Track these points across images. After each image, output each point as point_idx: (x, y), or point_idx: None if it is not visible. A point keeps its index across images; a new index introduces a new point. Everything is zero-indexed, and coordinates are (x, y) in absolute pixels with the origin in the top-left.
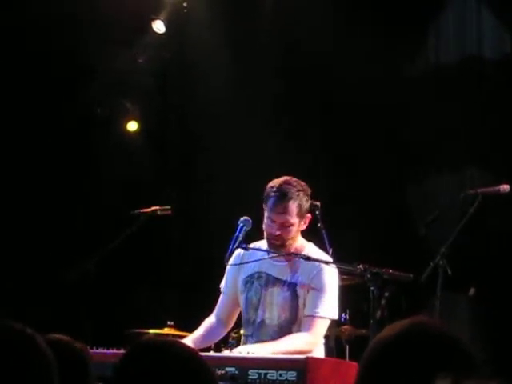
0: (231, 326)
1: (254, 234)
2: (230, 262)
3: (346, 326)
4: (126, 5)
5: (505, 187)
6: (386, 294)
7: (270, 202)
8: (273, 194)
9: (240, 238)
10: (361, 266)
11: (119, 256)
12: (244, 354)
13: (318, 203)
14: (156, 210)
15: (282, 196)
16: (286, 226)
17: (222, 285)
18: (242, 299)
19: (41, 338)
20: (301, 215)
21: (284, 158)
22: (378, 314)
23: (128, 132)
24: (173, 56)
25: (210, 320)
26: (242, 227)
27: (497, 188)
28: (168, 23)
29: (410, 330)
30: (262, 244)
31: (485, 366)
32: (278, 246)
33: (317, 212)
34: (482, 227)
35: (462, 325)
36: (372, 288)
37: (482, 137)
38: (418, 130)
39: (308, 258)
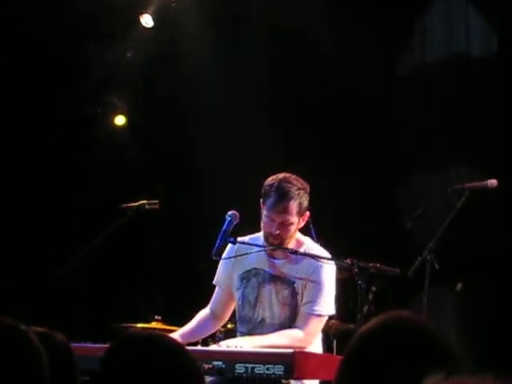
0: (226, 320)
1: (242, 228)
2: (224, 255)
3: (333, 321)
4: None
5: (492, 182)
6: (374, 289)
7: (270, 201)
8: (272, 193)
9: (227, 232)
10: (348, 260)
11: (106, 251)
12: (231, 348)
13: None
14: (143, 204)
15: (283, 196)
16: (285, 226)
17: (216, 279)
18: (237, 295)
19: (34, 333)
20: (300, 214)
21: (274, 153)
22: (366, 308)
23: (116, 126)
24: (161, 50)
25: (204, 313)
26: (229, 221)
27: (484, 183)
28: (156, 17)
29: (388, 324)
30: (259, 236)
31: (465, 361)
32: (277, 244)
33: None
34: (470, 222)
35: (448, 319)
36: (359, 282)
37: (469, 135)
38: (405, 128)
39: (295, 252)
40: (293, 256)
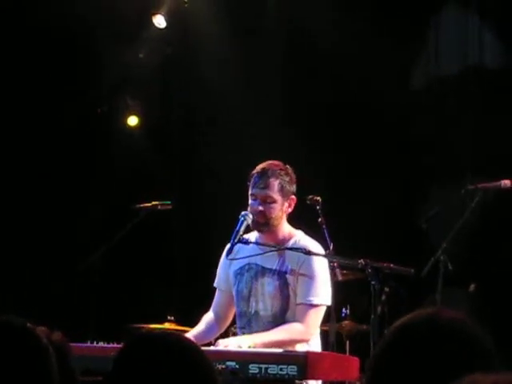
0: (229, 321)
1: None
2: (222, 256)
3: (346, 322)
4: (126, 0)
5: (506, 182)
6: (387, 290)
7: (253, 180)
8: (255, 173)
9: (240, 232)
10: (362, 260)
11: (119, 251)
12: (245, 349)
13: (319, 198)
14: (156, 204)
15: (264, 173)
16: (268, 202)
17: (216, 281)
18: (233, 292)
19: (41, 332)
20: (283, 194)
21: (289, 153)
22: (379, 309)
23: (128, 127)
24: (174, 50)
25: (208, 316)
26: (242, 221)
27: (498, 183)
28: (169, 17)
29: (432, 319)
30: (252, 236)
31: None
32: (262, 224)
33: (317, 207)
34: (483, 222)
35: None
36: (373, 283)
37: (484, 146)
38: (420, 137)
39: (309, 253)
40: (282, 247)
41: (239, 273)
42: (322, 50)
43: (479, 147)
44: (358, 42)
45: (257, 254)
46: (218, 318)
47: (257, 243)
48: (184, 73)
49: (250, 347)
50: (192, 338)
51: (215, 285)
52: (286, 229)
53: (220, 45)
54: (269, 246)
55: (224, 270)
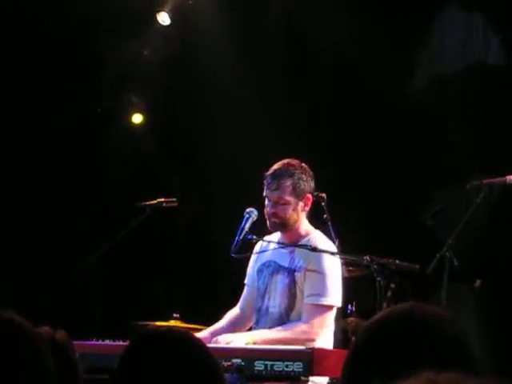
0: (253, 319)
1: (261, 224)
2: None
3: (352, 318)
4: None
5: (511, 178)
6: (392, 286)
7: (266, 181)
8: (268, 174)
9: (246, 229)
10: (367, 256)
11: (124, 248)
12: (250, 346)
13: (324, 195)
14: (161, 201)
15: (277, 174)
16: (280, 204)
17: (246, 277)
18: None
19: (45, 332)
20: (296, 194)
21: (289, 152)
22: (384, 305)
23: (133, 124)
24: (178, 47)
25: (233, 312)
26: (247, 218)
27: (503, 179)
28: (173, 15)
29: (408, 313)
30: (275, 235)
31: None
32: (278, 225)
33: (322, 203)
34: (489, 218)
35: (467, 316)
36: (378, 279)
37: (487, 144)
38: (422, 138)
39: (314, 249)
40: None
41: (260, 269)
42: (323, 49)
43: (482, 146)
44: (358, 42)
45: (262, 251)
46: (244, 315)
47: (278, 242)
48: (188, 70)
49: (247, 344)
50: (213, 334)
51: (245, 282)
52: (303, 227)
53: (224, 41)
54: (282, 244)
55: (251, 267)
